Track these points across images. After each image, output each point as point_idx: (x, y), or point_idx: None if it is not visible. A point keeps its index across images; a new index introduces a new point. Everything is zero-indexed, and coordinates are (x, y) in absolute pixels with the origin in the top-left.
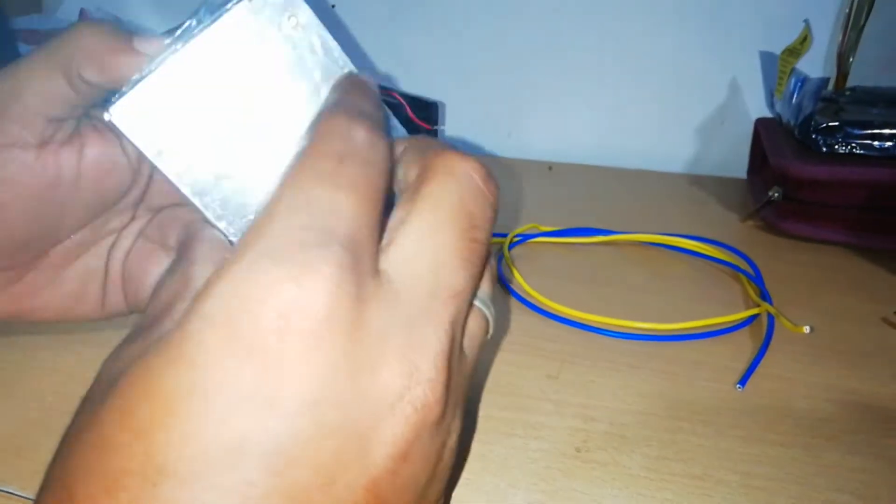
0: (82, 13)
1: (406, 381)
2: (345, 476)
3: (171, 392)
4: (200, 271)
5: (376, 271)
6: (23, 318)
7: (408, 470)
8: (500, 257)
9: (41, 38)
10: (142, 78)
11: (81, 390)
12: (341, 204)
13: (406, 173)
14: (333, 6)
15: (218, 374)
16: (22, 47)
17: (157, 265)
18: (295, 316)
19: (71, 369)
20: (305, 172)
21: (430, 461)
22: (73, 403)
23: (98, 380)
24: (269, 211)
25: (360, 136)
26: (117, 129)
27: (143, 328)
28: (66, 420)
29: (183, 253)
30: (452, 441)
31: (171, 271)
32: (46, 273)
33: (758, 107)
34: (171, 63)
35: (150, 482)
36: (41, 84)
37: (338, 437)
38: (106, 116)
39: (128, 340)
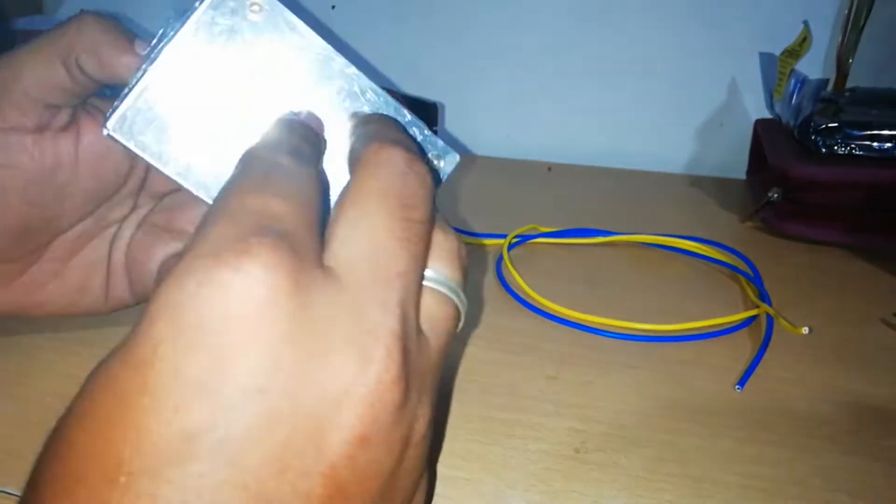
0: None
1: (357, 365)
2: (300, 463)
3: (125, 391)
4: None
5: (319, 264)
6: (28, 314)
7: (368, 455)
8: (500, 258)
9: None
10: (130, 89)
11: None
12: (274, 207)
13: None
14: (334, 7)
15: (167, 368)
16: None
17: (164, 250)
18: (234, 302)
19: (71, 370)
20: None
21: (394, 447)
22: None
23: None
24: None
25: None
26: (117, 141)
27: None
28: None
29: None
30: (421, 426)
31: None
32: (49, 266)
33: (757, 108)
34: (154, 70)
35: (109, 479)
36: (40, 71)
37: (288, 425)
38: (104, 132)
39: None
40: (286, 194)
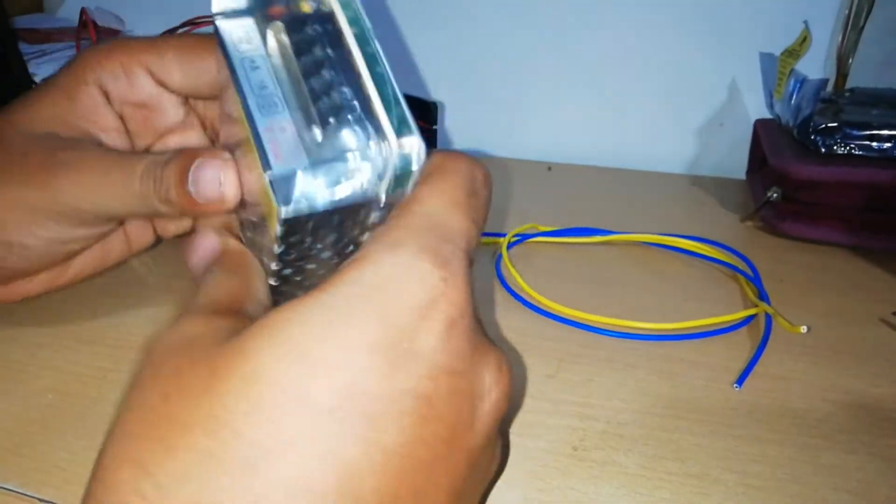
0: (83, 13)
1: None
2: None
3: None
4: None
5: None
6: (55, 289)
7: (450, 382)
8: (499, 256)
9: (42, 37)
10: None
11: (81, 387)
12: (470, 231)
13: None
14: None
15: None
16: (23, 46)
17: None
18: (438, 305)
19: (70, 367)
20: (442, 197)
21: (466, 391)
22: (73, 400)
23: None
24: (410, 218)
25: (481, 178)
26: (300, 217)
27: None
28: (66, 417)
29: None
30: (491, 389)
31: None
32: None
33: (757, 108)
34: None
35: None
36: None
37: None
38: (284, 215)
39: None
40: (478, 218)
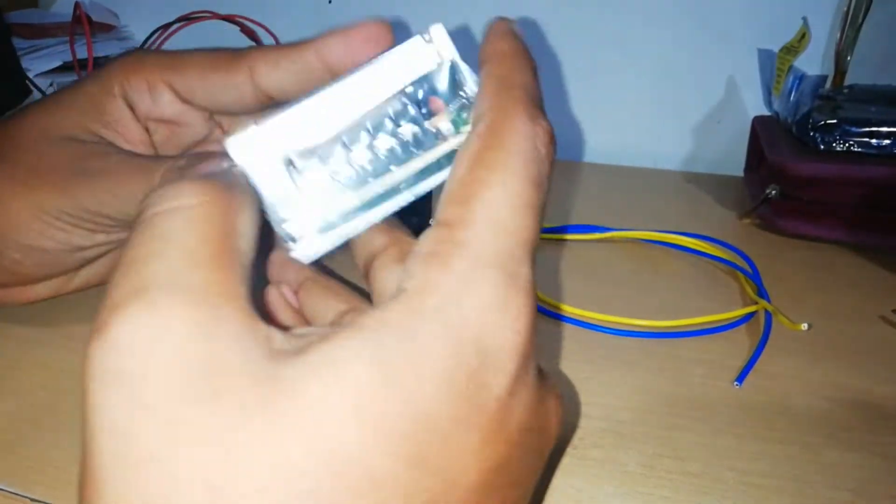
0: (77, 8)
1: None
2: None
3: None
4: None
5: None
6: (61, 296)
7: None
8: None
9: (36, 32)
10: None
11: (74, 386)
12: (537, 235)
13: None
14: (330, 1)
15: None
16: (17, 41)
17: None
18: (478, 341)
19: (63, 365)
20: (507, 195)
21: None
22: (66, 399)
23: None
24: (477, 228)
25: (545, 150)
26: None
27: None
28: (58, 416)
29: None
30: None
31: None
32: (76, 270)
33: (755, 105)
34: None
35: None
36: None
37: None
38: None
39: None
40: (541, 214)
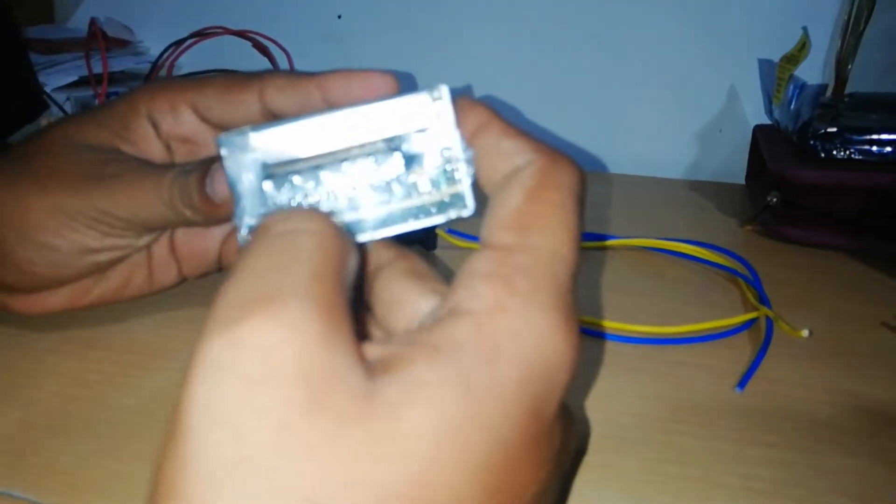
0: (92, 24)
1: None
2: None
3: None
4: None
5: None
6: (75, 309)
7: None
8: None
9: (52, 47)
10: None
11: (85, 393)
12: (578, 269)
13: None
14: (340, 17)
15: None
16: (34, 56)
17: (220, 232)
18: (545, 364)
19: (74, 372)
20: (561, 227)
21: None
22: (77, 406)
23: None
24: (535, 262)
25: (582, 190)
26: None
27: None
28: (71, 423)
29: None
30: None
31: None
32: (91, 279)
33: (756, 114)
34: None
35: None
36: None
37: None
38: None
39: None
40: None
